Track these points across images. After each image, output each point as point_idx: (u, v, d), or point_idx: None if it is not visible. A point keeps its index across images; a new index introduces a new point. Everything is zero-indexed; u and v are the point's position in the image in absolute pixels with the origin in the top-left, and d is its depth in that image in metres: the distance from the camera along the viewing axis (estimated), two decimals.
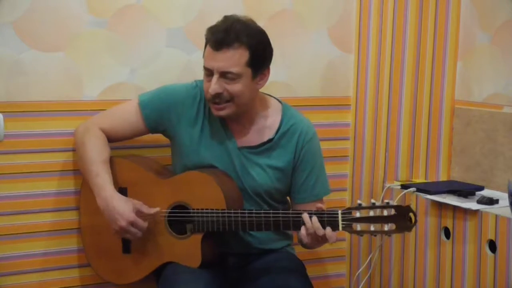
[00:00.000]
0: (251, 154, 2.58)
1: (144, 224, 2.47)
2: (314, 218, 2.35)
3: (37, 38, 2.65)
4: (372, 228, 2.34)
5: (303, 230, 2.38)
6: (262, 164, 2.58)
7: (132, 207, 2.46)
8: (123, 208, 2.45)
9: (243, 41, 2.43)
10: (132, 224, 2.45)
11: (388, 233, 2.35)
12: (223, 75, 2.44)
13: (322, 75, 3.11)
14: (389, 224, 2.34)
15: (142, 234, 2.48)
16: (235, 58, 2.43)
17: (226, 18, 2.49)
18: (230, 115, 2.51)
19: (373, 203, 2.35)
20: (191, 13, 2.86)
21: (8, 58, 2.62)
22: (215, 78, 2.44)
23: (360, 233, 2.35)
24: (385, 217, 2.34)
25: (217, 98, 2.46)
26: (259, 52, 2.47)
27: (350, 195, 3.18)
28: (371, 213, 2.34)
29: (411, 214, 2.34)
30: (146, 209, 2.48)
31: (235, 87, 2.45)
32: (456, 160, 2.91)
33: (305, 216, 2.37)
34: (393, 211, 2.34)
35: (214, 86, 2.44)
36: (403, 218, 2.33)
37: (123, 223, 2.45)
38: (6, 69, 2.62)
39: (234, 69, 2.43)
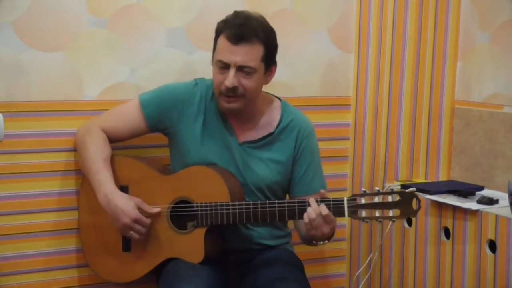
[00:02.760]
0: (252, 148, 2.61)
1: (147, 221, 2.48)
2: (323, 206, 2.38)
3: (37, 38, 2.65)
4: (377, 214, 2.38)
5: (305, 217, 2.39)
6: (263, 158, 2.61)
7: (134, 204, 2.47)
8: (126, 206, 2.46)
9: (260, 37, 2.48)
10: (136, 221, 2.46)
11: (393, 218, 2.38)
12: (240, 69, 2.48)
13: (322, 75, 3.11)
14: (394, 210, 2.39)
15: (145, 231, 2.49)
16: (253, 53, 2.47)
17: (238, 13, 2.53)
18: (238, 109, 2.54)
19: (378, 190, 2.40)
20: (191, 13, 2.86)
21: (8, 58, 2.62)
22: (232, 71, 2.47)
23: (365, 219, 2.39)
24: (390, 203, 2.38)
25: (231, 92, 2.49)
26: (272, 48, 2.55)
27: (350, 195, 3.17)
28: (376, 199, 2.38)
29: (414, 200, 2.36)
30: (147, 208, 2.49)
31: (250, 82, 2.50)
32: (456, 160, 2.91)
33: (312, 200, 2.40)
34: (397, 197, 2.38)
35: (233, 79, 2.47)
36: (407, 203, 2.37)
37: (126, 220, 2.46)
38: (6, 69, 2.62)
39: (252, 64, 2.48)
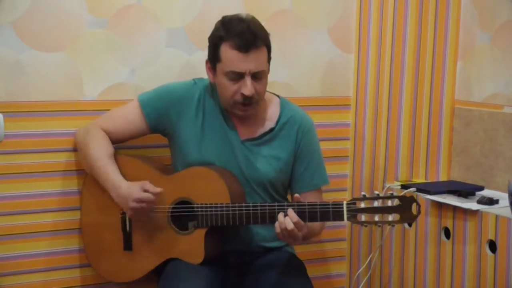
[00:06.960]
0: (254, 146, 2.61)
1: (151, 197, 2.46)
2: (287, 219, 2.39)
3: (37, 38, 2.65)
4: (376, 219, 2.37)
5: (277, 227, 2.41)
6: (265, 155, 2.62)
7: (139, 187, 2.47)
8: (130, 190, 2.47)
9: (263, 40, 2.50)
10: (140, 200, 2.46)
11: (392, 223, 2.38)
12: (254, 75, 2.48)
13: (322, 75, 3.11)
14: (393, 215, 2.37)
15: (153, 208, 2.48)
16: (262, 58, 2.50)
17: (231, 19, 2.51)
18: (253, 114, 2.57)
19: (377, 194, 2.38)
20: (191, 13, 2.86)
21: (8, 58, 2.62)
22: (248, 79, 2.47)
23: (365, 223, 2.38)
24: (389, 207, 2.37)
25: (249, 99, 2.50)
26: (270, 49, 2.56)
27: (350, 195, 3.18)
28: (375, 204, 2.37)
29: (414, 205, 2.36)
30: (152, 188, 2.48)
31: (262, 86, 2.52)
32: (456, 160, 2.91)
33: (281, 215, 2.40)
34: (397, 202, 2.36)
35: (251, 87, 2.48)
36: (407, 208, 2.36)
37: (132, 204, 2.46)
38: (6, 69, 2.63)
39: (263, 67, 2.51)
